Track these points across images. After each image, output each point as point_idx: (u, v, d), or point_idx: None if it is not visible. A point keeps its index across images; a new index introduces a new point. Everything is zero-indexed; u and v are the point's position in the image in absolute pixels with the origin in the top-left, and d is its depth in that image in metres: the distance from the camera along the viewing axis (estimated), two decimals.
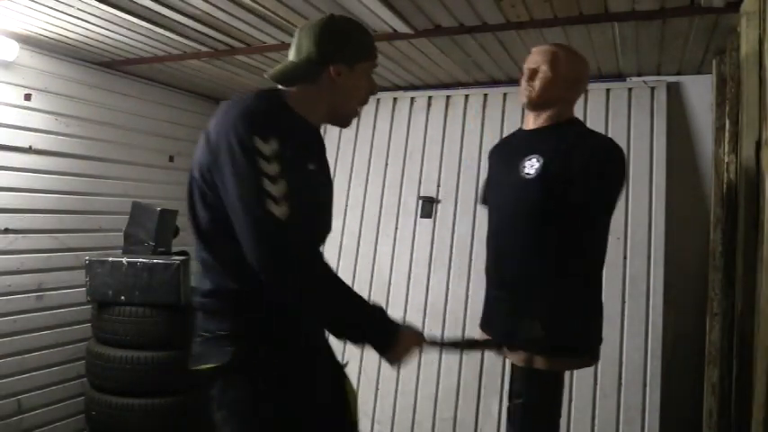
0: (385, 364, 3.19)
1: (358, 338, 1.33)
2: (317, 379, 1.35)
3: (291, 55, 1.36)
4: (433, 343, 1.48)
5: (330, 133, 3.54)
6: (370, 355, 3.32)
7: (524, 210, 1.72)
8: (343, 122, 1.44)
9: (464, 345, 1.69)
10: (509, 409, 1.83)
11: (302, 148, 1.26)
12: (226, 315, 1.27)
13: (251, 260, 1.15)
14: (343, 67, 1.32)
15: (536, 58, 1.78)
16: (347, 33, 1.36)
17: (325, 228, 1.42)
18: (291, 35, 2.64)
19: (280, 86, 1.35)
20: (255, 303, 1.25)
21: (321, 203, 1.37)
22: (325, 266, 1.23)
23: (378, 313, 1.35)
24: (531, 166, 1.71)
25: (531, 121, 1.82)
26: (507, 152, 1.89)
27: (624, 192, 2.76)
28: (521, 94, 1.80)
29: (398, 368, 1.48)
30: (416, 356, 1.39)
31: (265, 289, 1.20)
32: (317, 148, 1.37)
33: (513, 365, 1.80)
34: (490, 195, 1.97)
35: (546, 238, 1.69)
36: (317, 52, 1.31)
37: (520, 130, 1.91)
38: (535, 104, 1.78)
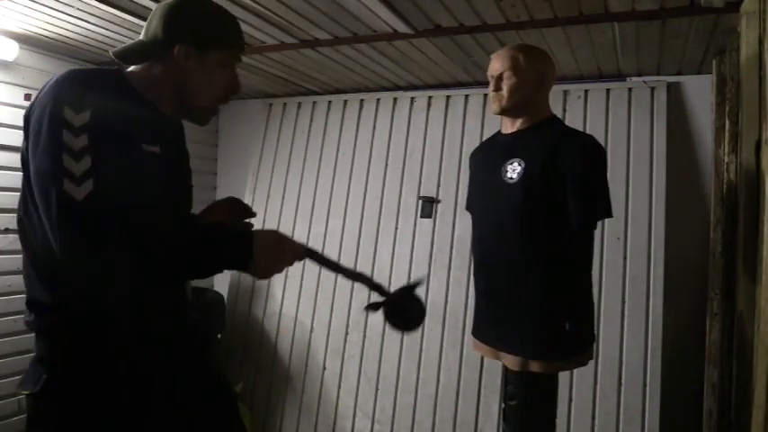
0: (385, 364, 3.21)
1: (216, 271, 1.16)
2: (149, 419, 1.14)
3: (141, 34, 1.21)
4: (311, 254, 1.27)
5: (330, 133, 3.54)
6: (371, 354, 3.33)
7: (509, 214, 1.72)
8: (195, 117, 1.27)
9: (348, 272, 1.37)
10: (504, 410, 1.83)
11: (134, 124, 1.11)
12: (41, 334, 1.14)
13: (55, 250, 1.00)
14: (192, 51, 1.16)
15: (497, 65, 1.77)
16: (203, 14, 1.21)
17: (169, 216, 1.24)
18: (292, 35, 2.65)
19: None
20: (69, 319, 1.10)
21: (164, 189, 1.19)
22: (143, 233, 1.03)
23: (220, 236, 1.13)
24: (513, 170, 1.71)
25: (510, 125, 1.81)
26: (488, 157, 1.88)
27: (624, 192, 2.77)
28: (491, 103, 1.80)
29: (269, 279, 1.27)
30: (289, 264, 1.19)
31: (79, 299, 1.08)
32: (160, 131, 1.19)
33: (506, 367, 1.80)
34: (473, 201, 1.96)
35: (532, 241, 1.70)
36: (164, 29, 1.16)
37: (499, 134, 1.90)
38: (507, 111, 1.77)
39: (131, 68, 1.21)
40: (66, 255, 0.99)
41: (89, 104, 1.03)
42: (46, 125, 1.02)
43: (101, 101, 1.05)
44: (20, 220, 1.21)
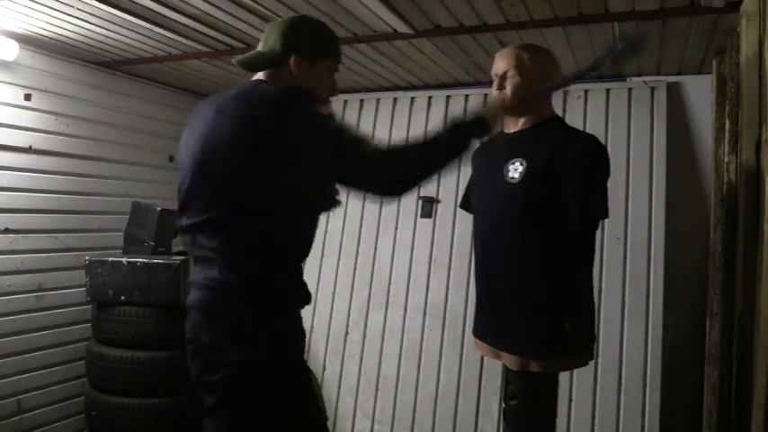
0: (385, 364, 3.20)
1: (464, 147, 1.50)
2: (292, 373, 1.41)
3: (259, 46, 1.47)
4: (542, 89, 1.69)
5: None
6: (371, 354, 3.32)
7: (511, 214, 1.71)
8: None
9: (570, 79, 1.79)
10: (505, 410, 1.83)
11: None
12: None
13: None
14: (304, 61, 1.42)
15: (501, 64, 1.76)
16: (311, 31, 1.47)
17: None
18: None
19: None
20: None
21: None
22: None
23: (451, 131, 1.48)
24: (515, 170, 1.71)
25: (512, 124, 1.81)
26: (490, 156, 1.87)
27: (624, 192, 2.77)
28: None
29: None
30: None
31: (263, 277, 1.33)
32: None
33: (507, 367, 1.80)
34: (475, 201, 1.96)
35: (532, 241, 1.69)
36: (281, 43, 1.41)
37: (501, 133, 1.90)
38: (511, 110, 1.77)
39: (258, 76, 1.45)
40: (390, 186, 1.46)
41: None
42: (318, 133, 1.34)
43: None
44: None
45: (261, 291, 1.33)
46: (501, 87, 1.75)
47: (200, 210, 1.35)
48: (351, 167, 1.36)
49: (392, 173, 1.39)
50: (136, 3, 2.14)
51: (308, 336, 3.30)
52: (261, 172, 1.29)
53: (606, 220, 2.13)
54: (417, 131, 3.30)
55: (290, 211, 1.35)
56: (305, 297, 1.45)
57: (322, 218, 3.15)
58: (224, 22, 2.34)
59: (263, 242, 1.33)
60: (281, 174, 1.29)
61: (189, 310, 1.41)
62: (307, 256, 1.46)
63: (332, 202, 1.45)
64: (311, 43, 1.45)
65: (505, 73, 1.74)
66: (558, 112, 2.72)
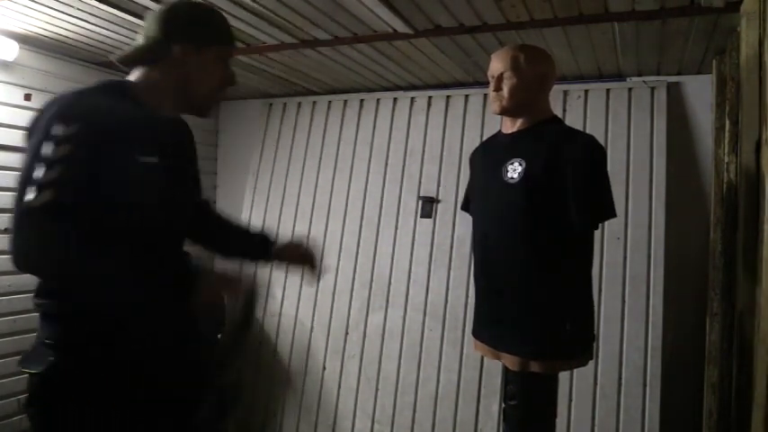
0: (385, 364, 3.20)
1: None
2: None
3: (139, 39, 1.30)
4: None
5: (330, 133, 3.54)
6: (371, 354, 3.32)
7: (510, 215, 1.72)
8: (198, 110, 1.35)
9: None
10: (505, 410, 1.83)
11: (132, 137, 1.17)
12: (51, 318, 1.21)
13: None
14: (190, 48, 1.26)
15: (497, 65, 1.76)
16: (195, 13, 1.32)
17: (167, 223, 1.31)
18: (291, 35, 2.65)
19: (130, 77, 1.30)
20: (78, 307, 1.17)
21: (163, 198, 1.26)
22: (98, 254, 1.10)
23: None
24: (514, 170, 1.71)
25: (510, 125, 1.81)
26: (488, 157, 1.88)
27: (624, 192, 2.77)
28: (491, 103, 1.79)
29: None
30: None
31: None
32: (160, 139, 1.27)
33: (506, 367, 1.80)
34: (474, 201, 1.96)
35: (532, 241, 1.69)
36: (161, 30, 1.26)
37: (500, 134, 1.90)
38: (508, 111, 1.77)
39: (133, 76, 1.29)
40: (13, 257, 1.06)
41: (79, 118, 1.10)
42: (33, 139, 1.11)
43: (93, 114, 1.12)
44: None
45: None
46: (497, 88, 1.75)
47: None
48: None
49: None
50: (136, 3, 2.14)
51: (308, 336, 3.32)
52: None
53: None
54: (417, 131, 3.31)
55: None
56: None
57: (322, 216, 3.18)
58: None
59: None
60: None
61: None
62: None
63: None
64: (195, 27, 1.29)
65: (501, 74, 1.74)
66: (558, 112, 2.74)
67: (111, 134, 1.13)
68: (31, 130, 1.17)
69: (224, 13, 2.23)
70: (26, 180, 1.06)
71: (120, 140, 1.14)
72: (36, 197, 1.03)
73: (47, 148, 1.06)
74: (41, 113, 1.16)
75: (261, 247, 1.64)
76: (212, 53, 1.30)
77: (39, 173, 1.05)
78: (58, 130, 1.08)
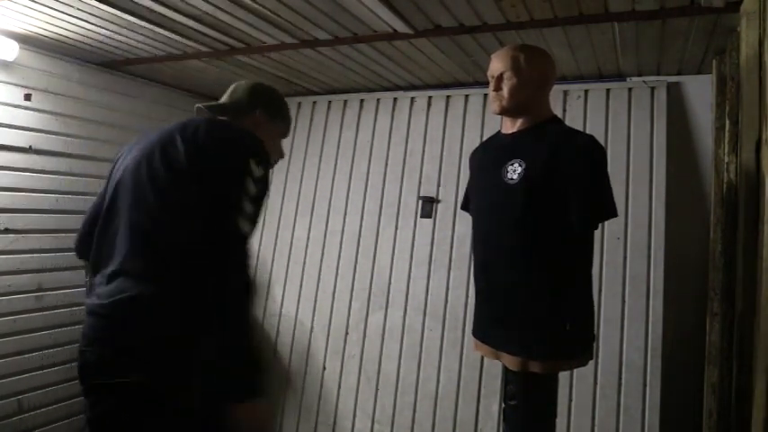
0: (385, 364, 3.20)
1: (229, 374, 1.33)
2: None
3: (224, 98, 1.67)
4: None
5: (330, 133, 3.54)
6: (371, 354, 3.32)
7: (509, 215, 1.71)
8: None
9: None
10: (504, 410, 1.83)
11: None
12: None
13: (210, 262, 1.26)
14: (265, 117, 1.63)
15: (497, 65, 1.76)
16: (274, 94, 1.71)
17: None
18: (291, 35, 2.66)
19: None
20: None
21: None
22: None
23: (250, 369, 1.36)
24: (514, 171, 1.70)
25: (510, 125, 1.81)
26: (488, 157, 1.87)
27: (624, 192, 2.77)
28: (491, 103, 1.79)
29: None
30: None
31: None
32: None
33: (506, 367, 1.80)
34: (474, 202, 1.96)
35: (532, 242, 1.69)
36: (248, 96, 1.63)
37: (499, 134, 1.90)
38: (508, 111, 1.77)
39: (245, 124, 1.58)
40: (229, 266, 1.27)
41: (264, 161, 1.39)
42: (233, 164, 1.35)
43: (268, 158, 1.44)
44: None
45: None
46: (497, 89, 1.75)
47: None
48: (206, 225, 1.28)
49: (241, 264, 1.30)
50: (136, 3, 2.14)
51: (308, 336, 3.33)
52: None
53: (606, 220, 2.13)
54: (417, 131, 3.31)
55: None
56: None
57: (322, 216, 3.19)
58: (224, 22, 2.34)
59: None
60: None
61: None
62: None
63: None
64: (274, 104, 1.68)
65: (501, 74, 1.74)
66: (558, 112, 2.74)
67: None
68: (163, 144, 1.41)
69: (224, 13, 2.25)
70: (236, 208, 1.29)
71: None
72: (249, 230, 1.31)
73: (250, 186, 1.32)
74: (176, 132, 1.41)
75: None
76: (278, 128, 1.69)
77: (248, 208, 1.31)
78: (256, 170, 1.34)
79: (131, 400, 1.24)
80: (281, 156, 1.73)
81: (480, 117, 3.16)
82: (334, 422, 3.15)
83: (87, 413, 1.30)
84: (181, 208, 1.33)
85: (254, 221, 1.32)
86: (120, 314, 1.27)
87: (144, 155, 1.42)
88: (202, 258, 1.25)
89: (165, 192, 1.35)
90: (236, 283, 1.28)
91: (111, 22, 2.38)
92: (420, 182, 3.24)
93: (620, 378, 2.64)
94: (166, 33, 2.47)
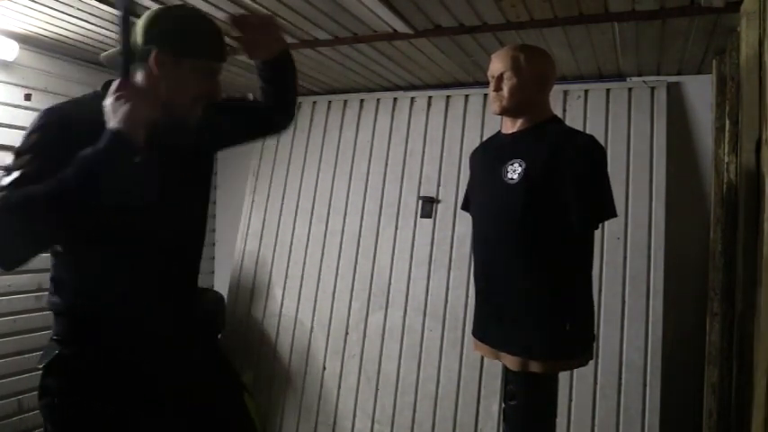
0: (385, 364, 3.20)
1: (96, 173, 1.10)
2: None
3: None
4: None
5: (330, 133, 3.54)
6: (371, 354, 3.32)
7: (510, 215, 1.71)
8: (177, 121, 1.30)
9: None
10: (504, 410, 1.83)
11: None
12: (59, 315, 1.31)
13: None
14: (168, 57, 1.23)
15: (497, 66, 1.76)
16: (180, 21, 1.28)
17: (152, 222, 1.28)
18: (291, 35, 2.65)
19: None
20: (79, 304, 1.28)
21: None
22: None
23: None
24: (514, 171, 1.71)
25: (510, 125, 1.81)
26: (488, 157, 1.88)
27: (624, 192, 2.77)
28: (491, 103, 1.80)
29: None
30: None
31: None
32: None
33: (506, 367, 1.80)
34: (474, 202, 1.96)
35: (532, 242, 1.69)
36: (143, 37, 1.24)
37: (499, 134, 1.90)
38: (508, 111, 1.77)
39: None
40: None
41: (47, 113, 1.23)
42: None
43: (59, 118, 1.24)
44: None
45: None
46: (497, 89, 1.75)
47: None
48: None
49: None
50: (136, 3, 2.14)
51: (308, 336, 3.33)
52: None
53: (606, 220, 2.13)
54: (417, 132, 3.31)
55: None
56: None
57: (322, 216, 3.15)
58: (224, 22, 2.33)
59: None
60: None
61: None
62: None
63: None
64: (177, 35, 1.25)
65: (502, 74, 1.74)
66: (558, 112, 2.74)
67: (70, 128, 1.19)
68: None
69: (225, 14, 2.24)
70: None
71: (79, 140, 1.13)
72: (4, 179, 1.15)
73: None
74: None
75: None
76: (191, 66, 1.26)
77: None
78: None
79: None
80: (214, 96, 1.32)
81: (480, 117, 3.16)
82: (334, 422, 3.15)
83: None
84: None
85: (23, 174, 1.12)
86: None
87: None
88: None
89: None
90: None
91: (112, 22, 2.38)
92: (420, 182, 3.24)
93: (620, 378, 2.64)
94: None
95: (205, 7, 2.18)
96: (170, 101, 1.26)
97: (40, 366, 1.26)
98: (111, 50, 1.30)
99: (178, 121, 1.30)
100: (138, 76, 1.25)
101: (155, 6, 1.37)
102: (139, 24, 1.27)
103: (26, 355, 2.81)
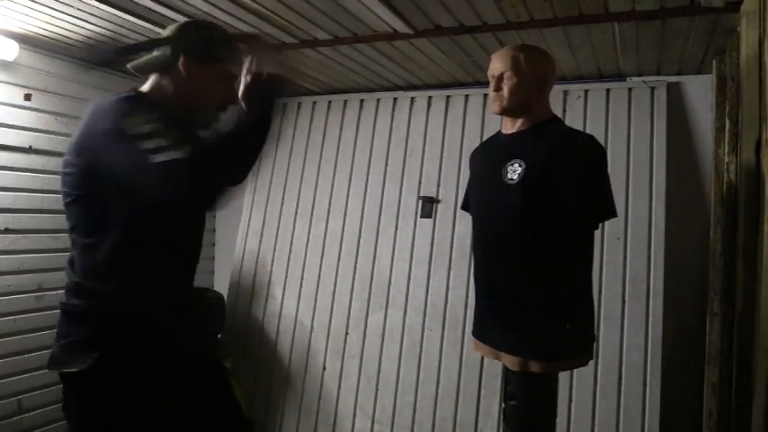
0: (385, 364, 3.20)
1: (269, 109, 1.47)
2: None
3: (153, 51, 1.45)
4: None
5: (330, 133, 3.54)
6: (371, 354, 3.32)
7: (510, 215, 1.71)
8: (200, 124, 1.45)
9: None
10: (505, 410, 1.83)
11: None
12: (88, 318, 1.37)
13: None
14: (193, 63, 1.37)
15: (498, 65, 1.76)
16: (201, 31, 1.43)
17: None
18: (292, 35, 2.65)
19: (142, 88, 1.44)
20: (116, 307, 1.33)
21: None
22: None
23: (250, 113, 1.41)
24: (514, 171, 1.71)
25: (510, 125, 1.81)
26: (488, 157, 1.88)
27: (624, 192, 2.77)
28: (491, 103, 1.80)
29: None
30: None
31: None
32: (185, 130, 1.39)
33: (506, 367, 1.80)
34: (474, 202, 1.96)
35: (532, 242, 1.69)
36: (171, 43, 1.38)
37: (499, 134, 1.90)
38: (508, 111, 1.77)
39: (146, 87, 1.43)
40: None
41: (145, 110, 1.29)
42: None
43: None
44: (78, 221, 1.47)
45: None
46: (498, 89, 1.75)
47: None
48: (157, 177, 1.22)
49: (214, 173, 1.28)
50: (136, 3, 2.14)
51: (308, 336, 3.33)
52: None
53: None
54: (417, 131, 3.31)
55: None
56: None
57: (322, 216, 3.15)
58: (224, 22, 2.34)
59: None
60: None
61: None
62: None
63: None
64: (201, 43, 1.40)
65: (502, 74, 1.74)
66: (558, 112, 2.74)
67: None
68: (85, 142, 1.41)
69: (224, 13, 2.25)
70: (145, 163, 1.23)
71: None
72: (183, 150, 1.25)
73: (138, 139, 1.25)
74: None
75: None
76: (214, 72, 1.40)
77: (156, 143, 1.24)
78: (136, 128, 1.27)
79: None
80: (233, 100, 1.44)
81: (480, 117, 3.16)
82: (334, 422, 3.15)
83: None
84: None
85: (177, 141, 1.21)
86: None
87: None
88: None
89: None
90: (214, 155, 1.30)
91: (111, 22, 2.38)
92: (420, 182, 3.24)
93: (620, 378, 2.64)
94: None
95: (205, 7, 2.18)
96: (195, 106, 1.41)
97: (71, 370, 1.35)
98: (138, 60, 1.45)
99: (201, 126, 1.45)
100: (167, 80, 1.40)
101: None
102: (166, 34, 1.42)
103: (26, 355, 2.81)
